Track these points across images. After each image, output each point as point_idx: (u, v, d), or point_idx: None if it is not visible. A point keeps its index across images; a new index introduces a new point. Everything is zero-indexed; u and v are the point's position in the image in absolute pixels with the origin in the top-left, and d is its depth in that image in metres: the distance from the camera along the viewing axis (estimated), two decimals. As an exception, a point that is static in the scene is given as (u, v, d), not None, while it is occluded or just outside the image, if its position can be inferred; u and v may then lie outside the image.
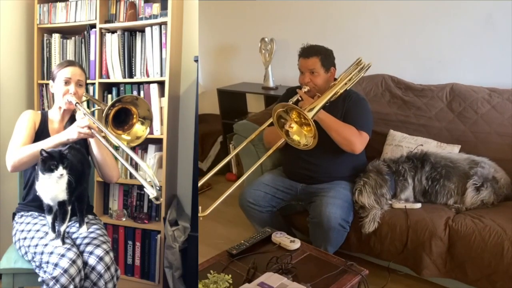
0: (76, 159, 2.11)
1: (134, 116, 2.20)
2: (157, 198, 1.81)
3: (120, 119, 2.18)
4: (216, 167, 2.37)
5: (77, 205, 2.18)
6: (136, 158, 1.92)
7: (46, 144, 2.08)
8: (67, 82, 2.26)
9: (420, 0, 3.34)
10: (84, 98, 2.42)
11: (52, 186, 1.99)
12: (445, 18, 3.29)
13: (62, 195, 2.02)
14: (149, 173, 1.83)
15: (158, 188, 1.81)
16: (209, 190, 4.17)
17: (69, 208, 2.07)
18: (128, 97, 2.18)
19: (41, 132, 2.28)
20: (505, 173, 2.68)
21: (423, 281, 2.66)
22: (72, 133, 2.09)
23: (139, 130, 2.21)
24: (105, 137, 2.13)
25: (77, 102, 2.23)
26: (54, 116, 2.36)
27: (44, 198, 2.03)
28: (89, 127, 2.07)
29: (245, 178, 2.53)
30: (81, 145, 2.27)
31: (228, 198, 2.17)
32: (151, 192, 1.81)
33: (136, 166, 2.94)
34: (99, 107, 2.65)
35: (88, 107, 3.05)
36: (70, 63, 2.32)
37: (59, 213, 2.05)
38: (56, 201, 2.03)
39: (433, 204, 2.63)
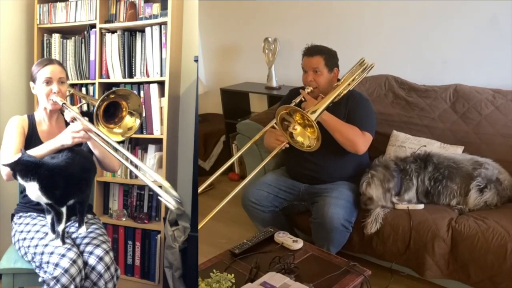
0: (79, 166, 2.08)
1: (124, 109, 2.17)
2: (179, 209, 1.81)
3: (110, 113, 2.15)
4: (220, 169, 2.35)
5: (78, 206, 2.17)
6: (142, 164, 1.91)
7: (40, 151, 2.05)
8: (48, 82, 2.20)
9: (423, 0, 3.33)
10: (68, 93, 2.42)
11: (31, 188, 1.98)
12: (449, 19, 3.28)
13: (43, 199, 2.00)
14: (164, 184, 1.79)
15: (178, 200, 1.75)
16: (211, 190, 4.16)
17: (63, 209, 2.05)
18: (121, 91, 2.16)
19: (31, 137, 2.24)
20: (509, 174, 2.66)
21: (426, 282, 2.64)
22: (66, 139, 2.05)
23: (130, 121, 2.18)
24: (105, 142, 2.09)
25: (63, 103, 2.17)
26: (41, 118, 2.31)
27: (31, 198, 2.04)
28: (85, 130, 2.04)
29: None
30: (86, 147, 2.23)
31: (230, 198, 2.16)
32: (172, 205, 1.74)
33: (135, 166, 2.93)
34: (86, 102, 2.61)
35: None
36: (48, 62, 2.25)
37: (53, 213, 2.04)
38: (43, 202, 2.02)
39: (436, 205, 2.61)
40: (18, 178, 1.96)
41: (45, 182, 1.96)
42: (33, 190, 1.97)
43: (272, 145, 2.60)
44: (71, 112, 2.11)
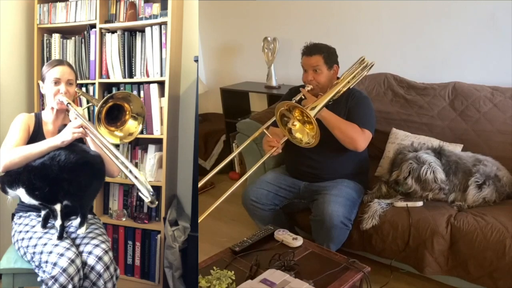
0: (56, 167, 2.05)
1: (127, 112, 2.19)
2: (152, 202, 1.84)
3: (113, 116, 2.17)
4: (218, 166, 2.37)
5: (79, 208, 2.17)
6: (127, 162, 1.96)
7: (40, 147, 2.07)
8: (57, 82, 2.24)
9: (422, -1, 3.35)
10: (78, 93, 2.45)
11: (21, 194, 2.06)
12: (448, 17, 3.28)
13: (33, 201, 2.06)
14: (141, 179, 1.86)
15: (151, 193, 1.83)
16: (212, 189, 4.19)
17: (55, 206, 2.08)
18: (120, 94, 2.17)
19: (36, 135, 2.27)
20: (508, 171, 2.67)
21: (425, 278, 2.65)
22: (66, 135, 2.07)
23: (132, 126, 2.21)
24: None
25: (68, 102, 2.21)
26: (48, 117, 2.34)
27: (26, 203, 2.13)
28: (83, 126, 2.07)
29: (248, 176, 2.56)
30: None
31: (231, 197, 2.18)
32: (145, 196, 1.83)
33: (136, 165, 2.93)
34: (92, 104, 2.64)
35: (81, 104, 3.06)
36: (58, 63, 2.29)
37: (49, 211, 2.11)
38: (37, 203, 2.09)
39: (435, 202, 2.61)
40: (7, 189, 2.04)
41: (27, 185, 2.02)
42: (23, 195, 2.05)
43: (265, 150, 2.64)
44: (73, 111, 2.15)
